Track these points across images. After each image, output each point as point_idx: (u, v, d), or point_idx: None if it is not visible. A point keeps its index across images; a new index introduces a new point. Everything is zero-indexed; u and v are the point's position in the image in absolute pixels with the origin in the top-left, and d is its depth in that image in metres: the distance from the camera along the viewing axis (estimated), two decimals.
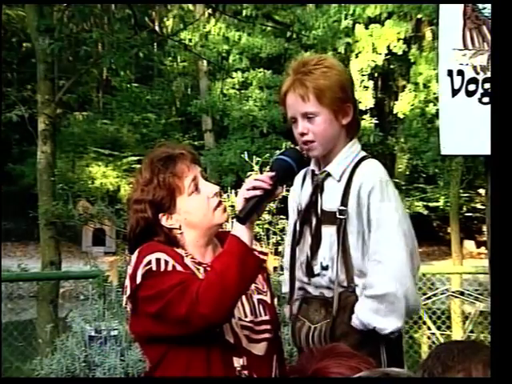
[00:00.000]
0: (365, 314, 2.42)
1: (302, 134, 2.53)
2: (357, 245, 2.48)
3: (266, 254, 2.71)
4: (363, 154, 2.59)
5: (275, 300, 2.64)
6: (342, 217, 2.48)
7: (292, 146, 2.65)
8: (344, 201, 2.49)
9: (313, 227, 2.57)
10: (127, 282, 2.41)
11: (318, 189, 2.58)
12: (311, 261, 2.57)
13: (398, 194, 2.55)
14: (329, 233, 2.52)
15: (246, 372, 2.40)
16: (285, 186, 2.53)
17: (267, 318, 2.51)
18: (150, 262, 2.34)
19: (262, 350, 2.46)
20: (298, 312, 2.61)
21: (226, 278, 2.25)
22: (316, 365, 1.60)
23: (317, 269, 2.55)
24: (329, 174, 2.57)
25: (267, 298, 2.56)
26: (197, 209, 2.46)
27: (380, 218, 2.44)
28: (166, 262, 2.34)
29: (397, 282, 2.40)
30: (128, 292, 2.41)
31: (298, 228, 2.65)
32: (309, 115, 2.51)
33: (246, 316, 2.45)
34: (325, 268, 2.53)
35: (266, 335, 2.49)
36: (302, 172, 2.67)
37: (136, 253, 2.40)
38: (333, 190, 2.54)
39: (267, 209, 5.55)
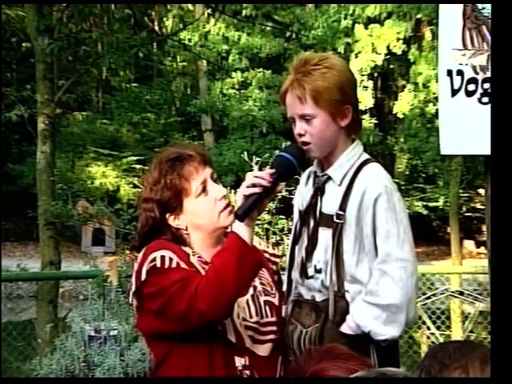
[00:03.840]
0: (363, 318, 2.41)
1: (300, 135, 2.51)
2: (353, 250, 2.46)
3: (278, 257, 2.71)
4: (365, 156, 2.56)
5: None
6: (339, 221, 2.46)
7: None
8: (343, 205, 2.47)
9: (310, 229, 2.56)
10: (133, 279, 2.43)
11: (318, 191, 2.56)
12: (306, 262, 2.55)
13: (402, 199, 2.53)
14: (325, 236, 2.50)
15: (247, 372, 2.41)
16: (285, 183, 2.52)
17: (273, 319, 2.51)
18: (154, 259, 2.36)
19: (267, 350, 2.48)
20: (291, 315, 2.59)
21: (224, 275, 2.26)
22: (314, 366, 1.60)
23: (311, 271, 2.54)
24: (329, 177, 2.54)
25: (275, 300, 2.56)
26: (203, 211, 2.47)
27: (387, 229, 2.42)
28: (171, 259, 2.36)
29: (402, 294, 2.40)
30: (133, 288, 2.42)
31: (297, 228, 2.64)
32: (306, 117, 2.48)
33: (251, 317, 2.46)
34: (318, 271, 2.51)
35: (272, 336, 2.49)
36: (307, 172, 2.67)
37: (143, 250, 2.42)
38: (333, 194, 2.52)
39: (267, 209, 5.55)
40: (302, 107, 2.48)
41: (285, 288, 2.66)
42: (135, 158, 20.88)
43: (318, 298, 2.52)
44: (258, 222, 5.51)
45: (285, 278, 2.71)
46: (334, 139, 2.52)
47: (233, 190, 5.06)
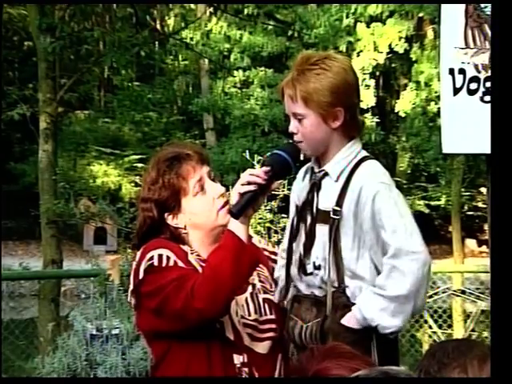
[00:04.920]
0: (370, 310, 2.40)
1: (292, 133, 2.53)
2: (352, 246, 2.46)
3: (277, 255, 2.71)
4: (364, 154, 2.56)
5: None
6: (335, 217, 2.46)
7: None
8: (339, 201, 2.47)
9: (307, 225, 2.56)
10: (131, 278, 2.44)
11: (315, 187, 2.56)
12: (304, 259, 2.55)
13: (401, 194, 2.54)
14: (322, 232, 2.50)
15: (246, 369, 2.41)
16: (281, 181, 2.52)
17: (272, 317, 2.52)
18: (152, 258, 2.37)
19: (266, 348, 2.48)
20: (291, 311, 2.58)
21: (220, 273, 2.27)
22: (316, 366, 1.59)
23: (309, 268, 2.53)
24: (326, 173, 2.54)
25: (274, 298, 2.56)
26: (201, 210, 2.48)
27: (394, 224, 2.42)
28: (168, 258, 2.37)
29: (412, 284, 2.39)
30: (131, 287, 2.43)
31: (294, 224, 2.64)
32: (297, 116, 2.49)
33: (249, 314, 2.46)
34: (317, 268, 2.51)
35: (271, 334, 2.50)
36: (303, 168, 2.66)
37: (141, 249, 2.43)
38: (329, 190, 2.52)
39: (268, 207, 5.55)
40: (293, 106, 2.49)
41: (283, 284, 2.64)
42: (137, 157, 20.88)
43: (318, 293, 2.51)
44: (259, 220, 5.51)
45: (283, 274, 2.70)
46: (326, 140, 2.51)
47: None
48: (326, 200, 2.52)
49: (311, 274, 2.53)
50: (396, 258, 2.41)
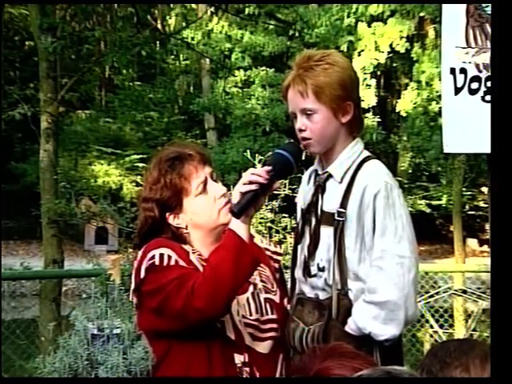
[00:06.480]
0: (362, 319, 2.41)
1: (300, 131, 2.52)
2: (354, 247, 2.46)
3: (280, 255, 2.71)
4: (366, 154, 2.56)
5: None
6: (340, 219, 2.46)
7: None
8: (344, 203, 2.47)
9: (312, 227, 2.56)
10: (132, 277, 2.44)
11: (319, 189, 2.56)
12: (308, 261, 2.55)
13: (403, 195, 2.53)
14: (327, 234, 2.50)
15: (247, 369, 2.41)
16: (283, 180, 2.52)
17: (274, 317, 2.51)
18: (153, 257, 2.37)
19: (267, 348, 2.47)
20: (293, 313, 2.58)
21: (221, 272, 2.26)
22: (318, 365, 1.59)
23: (314, 269, 2.53)
24: (330, 175, 2.54)
25: (276, 298, 2.56)
26: (203, 210, 2.47)
27: (385, 225, 2.42)
28: (169, 257, 2.36)
29: (398, 290, 2.39)
30: (133, 286, 2.43)
31: (300, 227, 2.64)
32: (307, 112, 2.48)
33: (250, 314, 2.46)
34: (321, 269, 2.51)
35: (272, 334, 2.49)
36: (308, 171, 2.67)
37: (142, 248, 2.43)
38: (334, 191, 2.52)
39: (270, 207, 5.55)
40: (303, 102, 2.48)
41: (289, 286, 2.66)
42: (138, 157, 20.90)
43: (322, 296, 2.51)
44: (261, 220, 5.51)
45: (289, 276, 2.71)
46: (335, 135, 2.52)
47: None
48: (330, 202, 2.52)
49: (315, 275, 2.53)
50: (382, 259, 2.41)
